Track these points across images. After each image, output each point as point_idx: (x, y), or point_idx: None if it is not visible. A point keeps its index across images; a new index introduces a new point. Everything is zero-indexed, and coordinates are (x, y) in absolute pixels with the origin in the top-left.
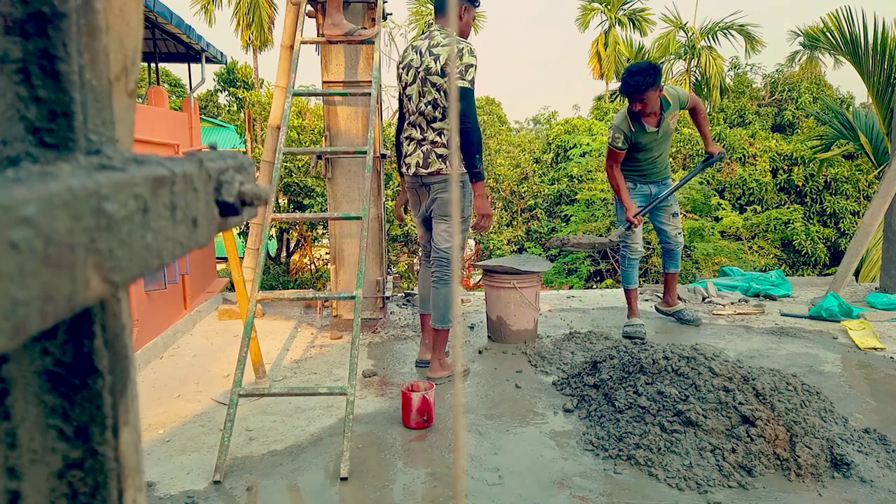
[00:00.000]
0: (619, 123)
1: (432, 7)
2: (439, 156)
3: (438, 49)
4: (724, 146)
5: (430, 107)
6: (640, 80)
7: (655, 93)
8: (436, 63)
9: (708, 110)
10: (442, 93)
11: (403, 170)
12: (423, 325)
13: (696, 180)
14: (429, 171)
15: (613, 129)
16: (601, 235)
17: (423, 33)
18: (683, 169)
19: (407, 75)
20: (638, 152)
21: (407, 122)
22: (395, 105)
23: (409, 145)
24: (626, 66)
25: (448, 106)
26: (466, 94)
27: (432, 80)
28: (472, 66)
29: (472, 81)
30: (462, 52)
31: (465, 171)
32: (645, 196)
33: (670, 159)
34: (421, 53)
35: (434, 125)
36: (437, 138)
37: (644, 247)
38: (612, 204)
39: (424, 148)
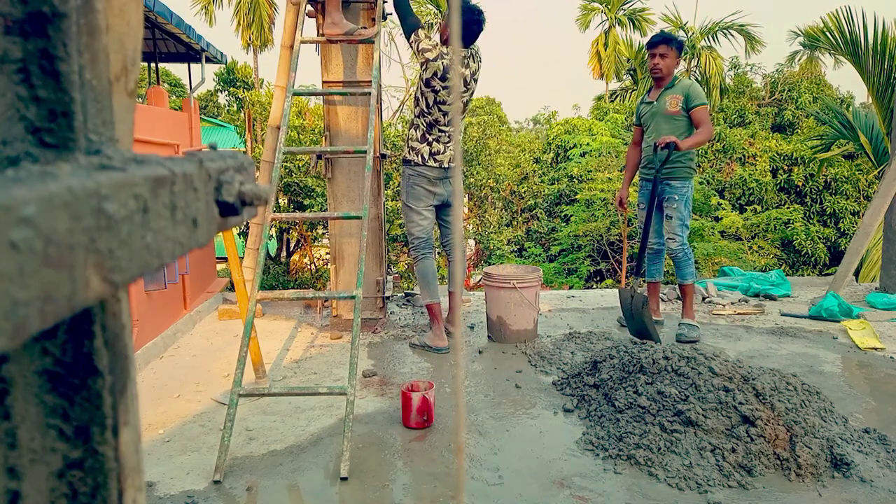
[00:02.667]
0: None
1: (433, 8)
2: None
3: (476, 74)
4: (723, 146)
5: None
6: (663, 34)
7: (669, 53)
8: (473, 84)
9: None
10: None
11: (431, 163)
12: (436, 315)
13: (696, 179)
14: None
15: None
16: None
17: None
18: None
19: (447, 95)
20: (643, 131)
21: (435, 126)
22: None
23: (441, 143)
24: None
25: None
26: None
27: (472, 87)
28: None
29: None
30: (479, 62)
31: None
32: (648, 192)
33: None
34: (466, 81)
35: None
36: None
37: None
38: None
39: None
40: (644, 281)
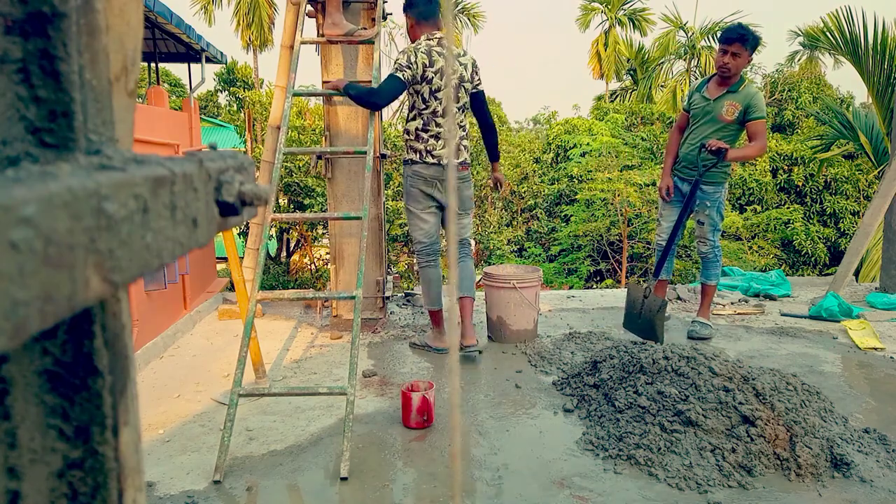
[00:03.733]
0: (694, 83)
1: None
2: (465, 147)
3: (463, 59)
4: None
5: (460, 110)
6: (740, 30)
7: (743, 53)
8: (465, 71)
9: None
10: (467, 95)
11: (429, 160)
12: (438, 320)
13: None
14: (458, 161)
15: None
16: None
17: (428, 38)
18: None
19: (438, 78)
20: (689, 125)
21: (432, 120)
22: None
23: (437, 140)
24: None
25: (468, 107)
26: (485, 97)
27: (465, 87)
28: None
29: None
30: (475, 60)
31: (491, 153)
32: (678, 191)
33: None
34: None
35: (461, 124)
36: (461, 132)
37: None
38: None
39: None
40: (661, 280)
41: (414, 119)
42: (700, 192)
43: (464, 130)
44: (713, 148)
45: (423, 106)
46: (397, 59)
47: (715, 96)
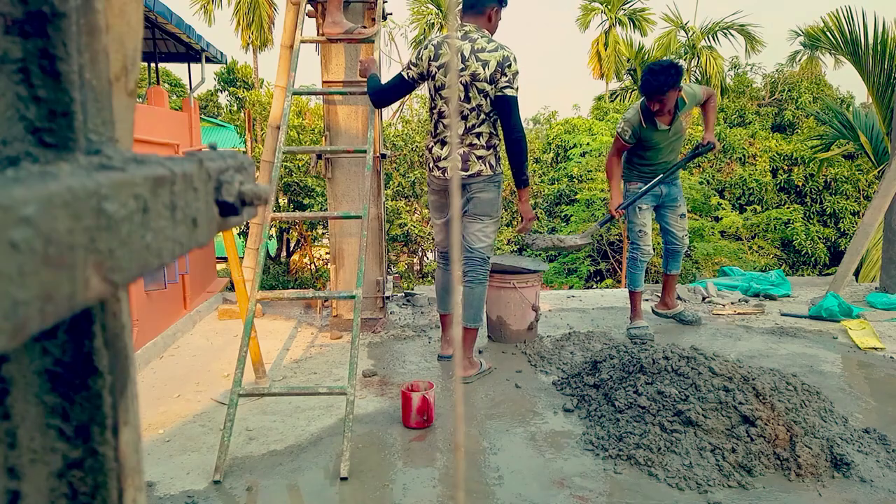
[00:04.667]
0: (630, 117)
1: (433, 8)
2: (479, 157)
3: (486, 55)
4: (723, 146)
5: (473, 113)
6: (662, 79)
7: (675, 92)
8: (484, 70)
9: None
10: (487, 100)
11: (437, 173)
12: (443, 324)
13: (696, 179)
14: (469, 172)
15: (623, 121)
16: (572, 234)
17: (446, 30)
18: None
19: (442, 74)
20: (647, 150)
21: (439, 122)
22: (395, 104)
23: (443, 148)
24: (646, 65)
25: (490, 113)
26: (516, 103)
27: (479, 87)
28: (517, 73)
29: (517, 89)
30: (510, 59)
31: (514, 177)
32: (655, 196)
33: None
34: (464, 57)
35: (474, 130)
36: (476, 140)
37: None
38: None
39: (462, 151)
40: (635, 291)
41: (430, 124)
42: (674, 187)
43: (477, 138)
44: (705, 143)
45: (432, 104)
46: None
47: (669, 121)
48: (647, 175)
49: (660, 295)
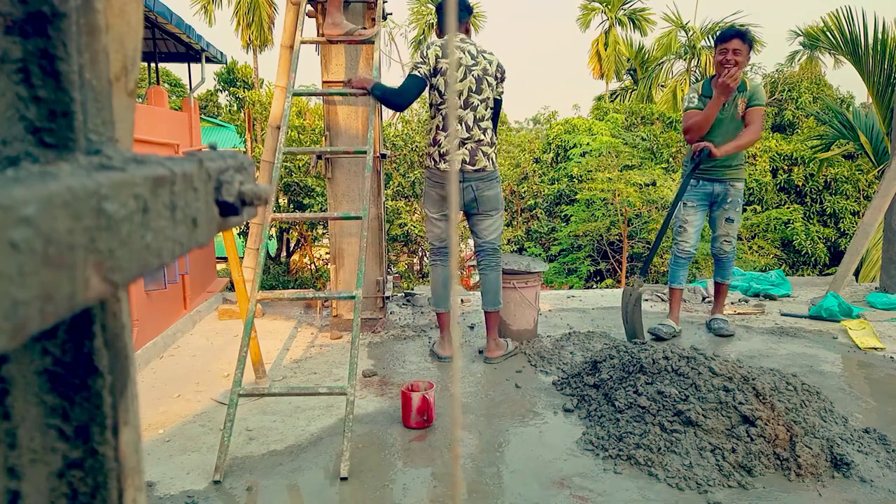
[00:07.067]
0: (696, 84)
1: (433, 7)
2: (485, 154)
3: (488, 56)
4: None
5: (483, 104)
6: (735, 30)
7: (744, 48)
8: (490, 66)
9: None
10: (493, 93)
11: (443, 165)
12: (441, 323)
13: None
14: (475, 167)
15: (687, 98)
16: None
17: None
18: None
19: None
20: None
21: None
22: None
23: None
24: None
25: (490, 103)
26: (500, 107)
27: (489, 81)
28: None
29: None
30: (502, 66)
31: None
32: (706, 194)
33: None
34: (473, 55)
35: (481, 124)
36: (483, 136)
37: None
38: (685, 165)
39: (470, 146)
40: (672, 287)
41: (434, 117)
42: (732, 190)
43: (484, 133)
44: (697, 151)
45: (441, 100)
46: (415, 60)
47: (727, 94)
48: (706, 164)
49: (660, 296)
